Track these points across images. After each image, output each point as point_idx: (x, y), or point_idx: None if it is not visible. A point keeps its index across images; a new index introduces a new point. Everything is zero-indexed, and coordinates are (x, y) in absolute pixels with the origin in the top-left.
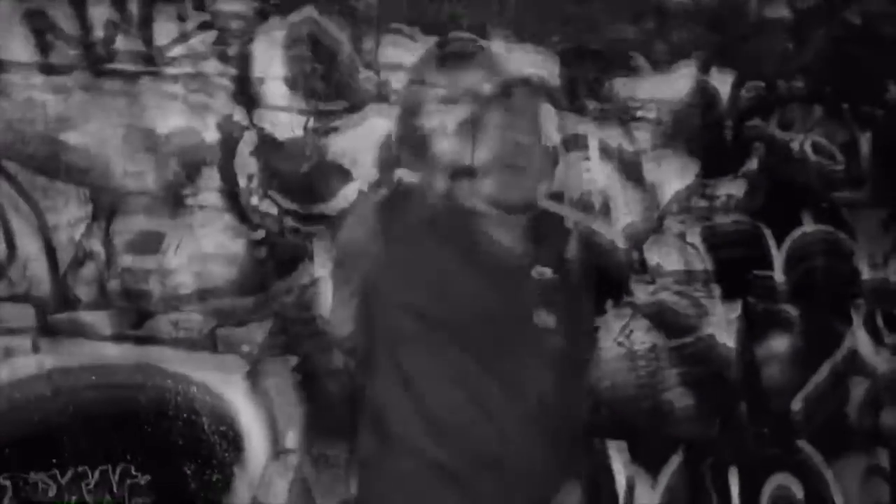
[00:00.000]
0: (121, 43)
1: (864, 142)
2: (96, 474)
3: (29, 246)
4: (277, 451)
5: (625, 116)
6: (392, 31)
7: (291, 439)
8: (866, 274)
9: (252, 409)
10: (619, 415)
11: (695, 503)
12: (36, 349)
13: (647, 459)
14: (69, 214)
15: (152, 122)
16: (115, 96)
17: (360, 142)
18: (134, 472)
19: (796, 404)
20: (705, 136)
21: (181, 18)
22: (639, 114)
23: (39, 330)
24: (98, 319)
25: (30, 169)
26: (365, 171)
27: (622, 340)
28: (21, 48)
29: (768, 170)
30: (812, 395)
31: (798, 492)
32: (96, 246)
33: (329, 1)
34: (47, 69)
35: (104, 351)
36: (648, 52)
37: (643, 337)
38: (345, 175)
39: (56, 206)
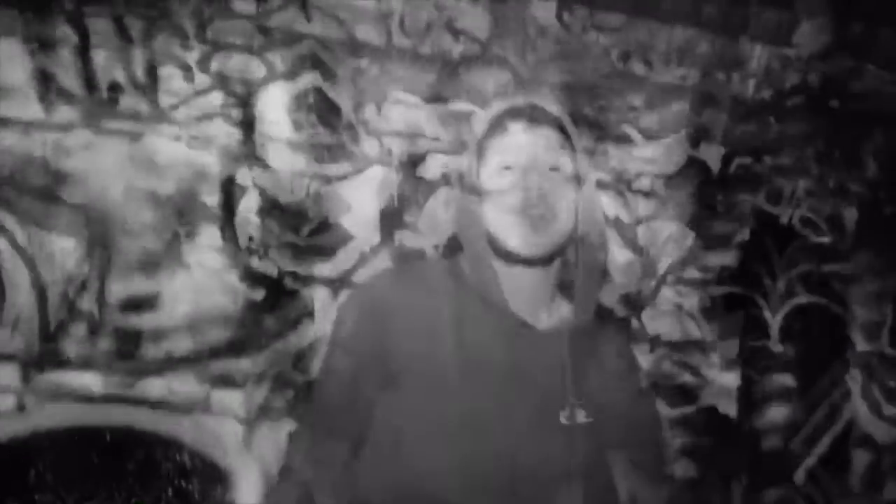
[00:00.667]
0: (124, 102)
1: (849, 216)
2: None
3: (21, 301)
4: None
5: (620, 186)
6: (394, 99)
7: None
8: (861, 345)
9: (247, 476)
10: None
11: None
12: (21, 408)
13: None
14: (64, 270)
15: (154, 180)
16: (116, 153)
17: (363, 204)
18: None
19: (799, 477)
20: (697, 208)
21: (187, 80)
22: (633, 185)
23: (25, 389)
24: (89, 380)
25: (27, 222)
26: (366, 232)
27: None
28: (23, 103)
29: (759, 242)
30: (815, 468)
31: None
32: (90, 304)
33: (332, 68)
34: (49, 126)
35: (93, 413)
36: (638, 124)
37: None
38: (346, 236)
39: (52, 260)
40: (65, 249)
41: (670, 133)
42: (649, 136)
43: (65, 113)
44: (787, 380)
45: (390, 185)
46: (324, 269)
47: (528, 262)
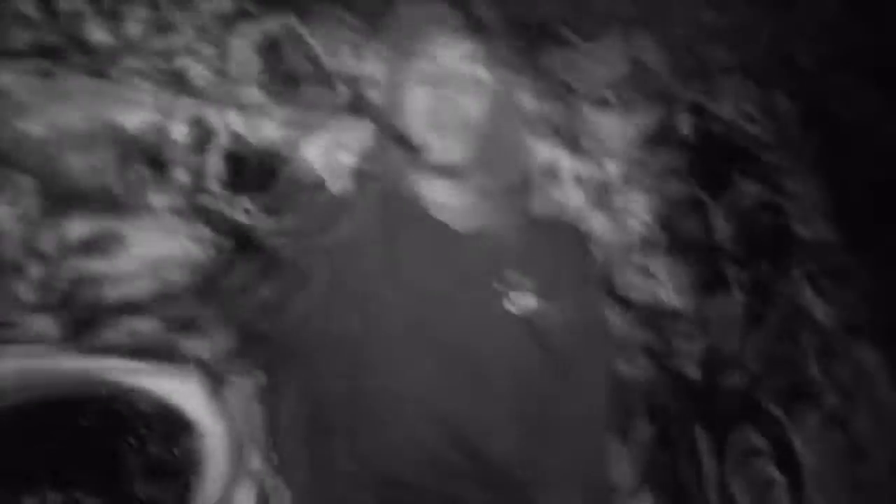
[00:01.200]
0: (88, 33)
1: (785, 108)
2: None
3: None
4: (241, 473)
5: (561, 91)
6: (369, 46)
7: (255, 458)
8: (802, 233)
9: (213, 427)
10: None
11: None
12: None
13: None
14: (19, 208)
15: (118, 116)
16: (78, 86)
17: (335, 151)
18: (81, 499)
19: (754, 364)
20: (644, 110)
21: (154, 11)
22: (575, 88)
23: None
24: (44, 324)
25: None
26: (339, 181)
27: None
28: None
29: (702, 137)
30: (765, 352)
31: (760, 442)
32: (46, 245)
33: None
34: (4, 53)
35: (51, 360)
36: (575, 26)
37: None
38: (318, 184)
39: (6, 196)
40: (21, 185)
41: (611, 31)
42: (588, 37)
43: (21, 39)
44: (736, 272)
45: (365, 133)
46: (295, 216)
47: (449, 170)
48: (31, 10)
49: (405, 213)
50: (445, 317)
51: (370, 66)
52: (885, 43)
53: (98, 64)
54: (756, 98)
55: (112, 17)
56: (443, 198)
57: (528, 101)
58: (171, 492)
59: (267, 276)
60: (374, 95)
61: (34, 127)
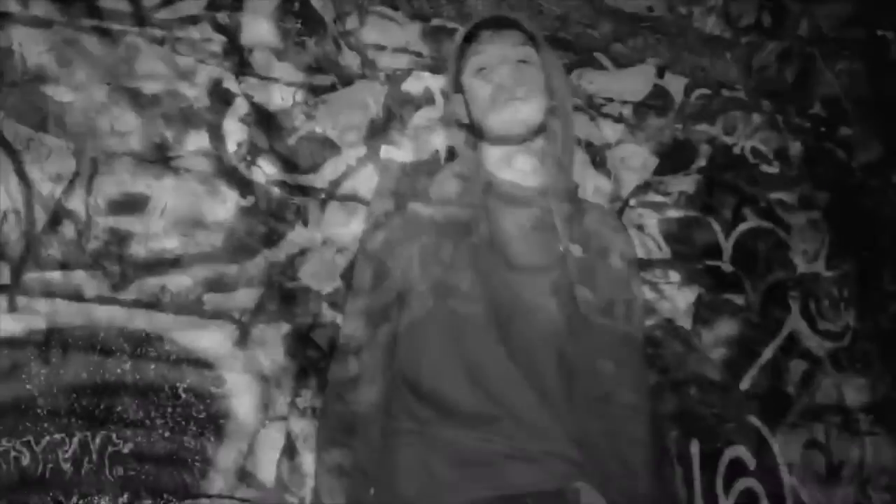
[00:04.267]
0: (105, 1)
1: (795, 149)
2: (74, 442)
3: (9, 199)
4: (267, 419)
5: (592, 112)
6: (376, 13)
7: (282, 405)
8: (802, 267)
9: (241, 376)
10: None
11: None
12: (12, 308)
13: None
14: (51, 169)
15: (138, 82)
16: (99, 53)
17: (348, 116)
18: (115, 440)
19: (745, 383)
20: (661, 135)
21: None
22: (604, 110)
23: (15, 288)
24: (79, 280)
25: (13, 118)
26: (352, 146)
27: None
28: None
29: (714, 169)
30: (758, 376)
31: (750, 460)
32: (77, 204)
33: None
34: (26, 21)
35: (86, 312)
36: (608, 52)
37: None
38: (332, 148)
39: (39, 159)
40: (51, 147)
41: (638, 62)
42: (619, 63)
43: (41, 7)
44: (735, 297)
45: (375, 98)
46: (310, 178)
47: (510, 139)
48: None
49: None
50: None
51: None
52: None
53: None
54: (770, 138)
55: None
56: None
57: None
58: (204, 435)
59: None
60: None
61: (63, 93)
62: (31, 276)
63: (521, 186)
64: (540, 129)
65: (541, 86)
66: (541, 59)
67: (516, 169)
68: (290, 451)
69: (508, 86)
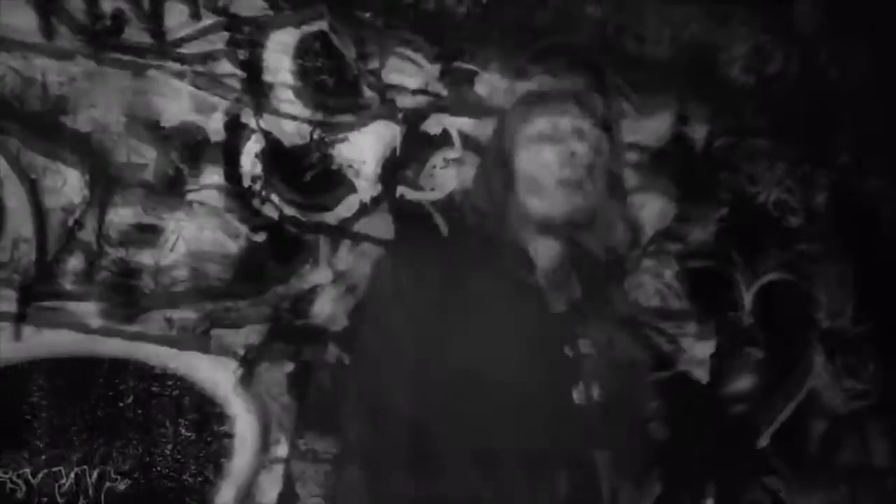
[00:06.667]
0: (128, 34)
1: (820, 200)
2: (70, 477)
3: (21, 227)
4: (268, 459)
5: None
6: (397, 54)
7: (283, 446)
8: (824, 322)
9: (243, 414)
10: None
11: None
12: (17, 337)
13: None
14: (65, 198)
15: (157, 114)
16: (119, 85)
17: (365, 155)
18: (113, 476)
19: (763, 441)
20: (681, 183)
21: (193, 17)
22: (626, 156)
23: (21, 317)
24: (86, 311)
25: (31, 148)
26: (367, 184)
27: None
28: (25, 28)
29: (736, 220)
30: (778, 434)
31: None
32: (89, 234)
33: (340, 15)
34: (50, 52)
35: (91, 345)
36: (630, 98)
37: None
38: (347, 186)
39: (53, 187)
40: (66, 177)
41: (660, 109)
42: (640, 110)
43: (66, 39)
44: (755, 352)
45: (393, 138)
46: (324, 216)
47: (559, 228)
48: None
49: None
50: None
51: None
52: None
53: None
54: (794, 187)
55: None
56: None
57: None
58: (202, 475)
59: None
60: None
61: (81, 124)
62: (38, 306)
63: None
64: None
65: (601, 171)
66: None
67: None
68: (289, 495)
69: (567, 167)
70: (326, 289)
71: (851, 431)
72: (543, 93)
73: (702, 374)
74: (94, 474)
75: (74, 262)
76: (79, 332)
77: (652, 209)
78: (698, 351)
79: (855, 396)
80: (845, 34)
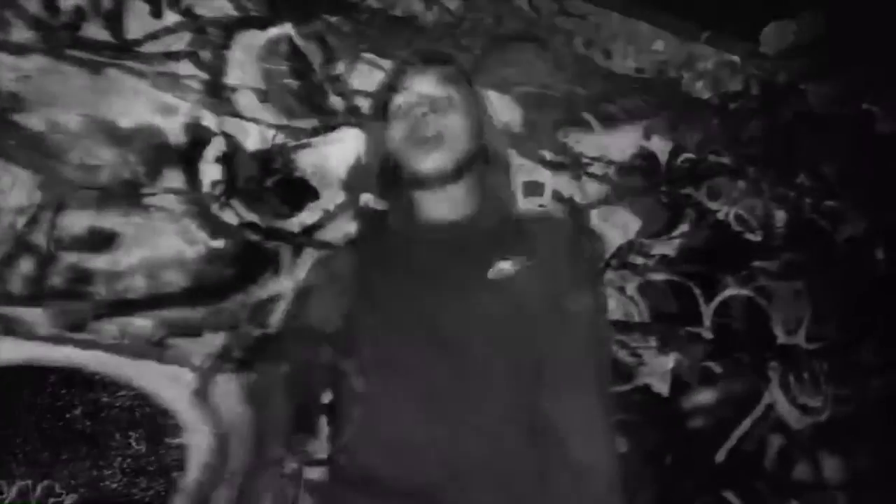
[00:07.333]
0: (86, 31)
1: (779, 218)
2: (13, 491)
3: None
4: (224, 472)
5: (577, 171)
6: (364, 60)
7: (238, 459)
8: (781, 338)
9: (199, 426)
10: None
11: None
12: None
13: None
14: (15, 201)
15: (115, 115)
16: (76, 84)
17: (329, 162)
18: (58, 490)
19: (720, 455)
20: (644, 197)
21: (155, 15)
22: (590, 169)
23: None
24: (35, 318)
25: None
26: (331, 191)
27: None
28: None
29: (697, 234)
30: (734, 448)
31: None
32: (39, 238)
33: (307, 21)
34: (4, 47)
35: (39, 352)
36: (596, 112)
37: None
38: (311, 192)
39: (4, 188)
40: (16, 177)
41: (625, 123)
42: (606, 124)
43: (21, 34)
44: (714, 366)
45: (357, 144)
46: (286, 223)
47: (433, 179)
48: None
49: None
50: None
51: None
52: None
53: (98, 63)
54: (755, 205)
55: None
56: None
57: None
58: (154, 489)
59: (258, 278)
60: None
61: (34, 122)
62: None
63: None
64: (462, 171)
65: (459, 128)
66: (464, 99)
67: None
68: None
69: (420, 129)
70: (287, 298)
71: (805, 447)
72: None
73: (662, 387)
74: (39, 489)
75: (24, 267)
76: (27, 340)
77: (615, 223)
78: (659, 364)
79: (809, 412)
80: (811, 55)
